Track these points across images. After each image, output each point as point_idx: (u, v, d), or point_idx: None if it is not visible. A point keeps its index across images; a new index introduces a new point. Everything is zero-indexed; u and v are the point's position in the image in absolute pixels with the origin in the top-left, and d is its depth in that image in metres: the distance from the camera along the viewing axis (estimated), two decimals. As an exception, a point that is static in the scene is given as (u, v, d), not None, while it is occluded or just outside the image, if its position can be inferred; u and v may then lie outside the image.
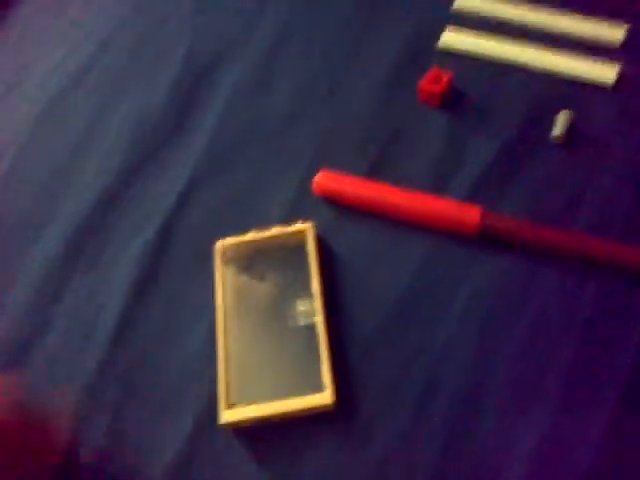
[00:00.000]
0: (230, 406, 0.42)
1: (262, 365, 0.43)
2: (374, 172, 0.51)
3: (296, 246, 0.47)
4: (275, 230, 0.48)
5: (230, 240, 0.48)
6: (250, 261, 0.47)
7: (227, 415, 0.41)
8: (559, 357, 0.42)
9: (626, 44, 0.54)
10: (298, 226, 0.48)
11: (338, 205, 0.50)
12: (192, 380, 0.44)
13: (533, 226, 0.45)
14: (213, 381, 0.44)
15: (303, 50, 0.59)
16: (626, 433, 0.39)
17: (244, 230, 0.50)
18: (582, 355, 0.42)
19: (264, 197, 0.51)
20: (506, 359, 0.42)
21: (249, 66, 0.59)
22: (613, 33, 0.54)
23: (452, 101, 0.53)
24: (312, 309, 0.44)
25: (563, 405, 0.40)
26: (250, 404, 0.41)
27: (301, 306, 0.45)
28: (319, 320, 0.44)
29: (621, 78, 0.52)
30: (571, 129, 0.50)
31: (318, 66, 0.57)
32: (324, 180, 0.49)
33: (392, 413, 0.41)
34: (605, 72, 0.52)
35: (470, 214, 0.46)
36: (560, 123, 0.49)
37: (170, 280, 0.49)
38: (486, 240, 0.46)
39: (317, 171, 0.51)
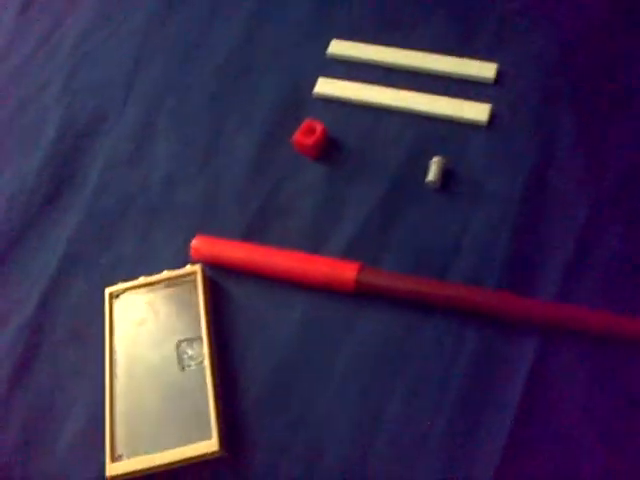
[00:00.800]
0: (116, 459, 0.40)
1: (151, 415, 0.41)
2: (253, 231, 0.50)
3: (185, 288, 0.46)
4: (165, 273, 0.47)
5: (120, 286, 0.47)
6: (139, 305, 0.46)
7: (112, 469, 0.40)
8: (441, 415, 0.41)
9: (498, 82, 0.54)
10: (188, 268, 0.47)
11: (219, 268, 0.48)
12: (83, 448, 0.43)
13: (409, 280, 0.44)
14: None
15: (178, 111, 0.57)
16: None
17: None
18: (464, 410, 0.41)
19: (146, 267, 0.49)
20: (389, 421, 0.41)
21: (125, 133, 0.57)
22: (485, 72, 0.54)
23: (329, 151, 0.52)
24: (200, 353, 0.43)
25: (447, 464, 0.39)
26: (137, 455, 0.40)
27: (190, 350, 0.43)
28: (207, 365, 0.42)
29: (494, 116, 0.52)
30: (447, 172, 0.50)
31: (194, 126, 0.56)
32: (200, 245, 0.48)
33: (279, 467, 0.40)
34: (478, 111, 0.52)
35: (346, 271, 0.45)
36: (433, 169, 0.49)
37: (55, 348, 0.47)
38: (365, 296, 0.45)
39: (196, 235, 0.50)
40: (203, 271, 0.47)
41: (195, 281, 0.46)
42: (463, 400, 0.41)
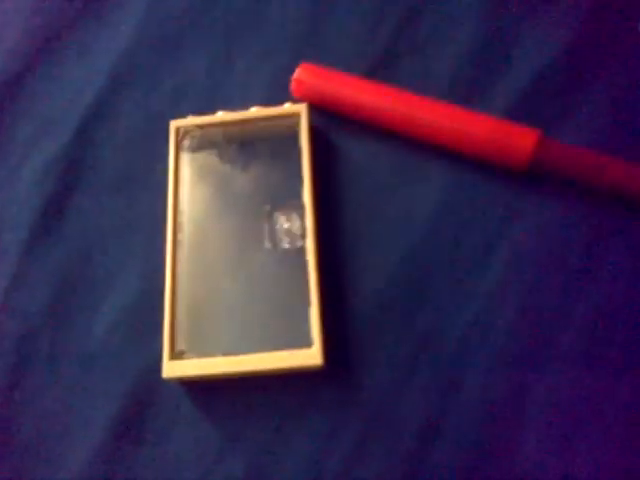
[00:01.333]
0: (177, 356, 0.29)
1: (226, 304, 0.30)
2: (379, 68, 0.35)
3: (283, 136, 0.33)
4: (254, 111, 0.33)
5: (191, 121, 0.34)
6: (217, 153, 0.33)
7: (170, 368, 0.29)
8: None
9: None
10: (287, 107, 0.33)
11: (332, 114, 0.35)
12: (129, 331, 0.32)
13: (607, 162, 0.31)
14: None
15: None
16: None
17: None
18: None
19: (225, 97, 0.36)
20: (562, 348, 0.29)
21: None
22: None
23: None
24: (300, 228, 0.31)
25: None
26: (205, 356, 0.29)
27: (285, 222, 0.31)
28: (309, 246, 0.30)
29: None
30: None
31: None
32: (307, 77, 0.34)
33: (403, 397, 0.29)
34: None
35: (519, 139, 0.31)
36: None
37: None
38: (537, 177, 0.32)
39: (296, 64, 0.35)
40: (309, 114, 0.33)
41: (297, 127, 0.33)
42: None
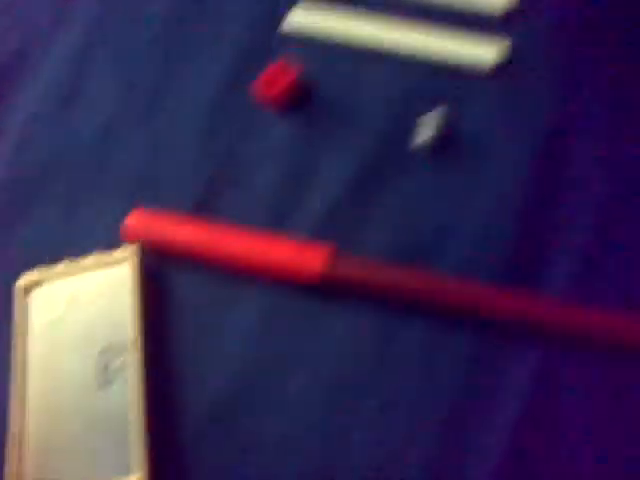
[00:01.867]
0: None
1: (66, 440, 0.34)
2: (203, 205, 0.41)
3: (115, 278, 0.37)
4: (92, 258, 0.38)
5: (34, 275, 0.38)
6: (59, 299, 0.38)
7: None
8: (423, 435, 0.33)
9: (510, 16, 0.44)
10: (119, 251, 0.38)
11: (160, 251, 0.40)
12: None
13: (388, 271, 0.36)
14: None
15: (118, 47, 0.47)
16: None
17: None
18: (450, 430, 0.33)
19: (73, 245, 0.41)
20: (360, 443, 0.33)
21: (51, 78, 0.47)
22: (493, 1, 0.44)
23: (300, 103, 0.43)
24: (127, 364, 0.35)
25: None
26: None
27: (116, 359, 0.35)
28: (135, 380, 0.34)
29: (504, 61, 0.42)
30: (442, 134, 0.40)
31: (137, 68, 0.46)
32: (136, 223, 0.39)
33: None
34: (483, 53, 0.42)
35: (311, 259, 0.36)
36: (425, 129, 0.39)
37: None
38: (335, 289, 0.37)
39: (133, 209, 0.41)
40: (139, 256, 0.38)
41: (128, 269, 0.38)
42: (449, 417, 0.34)
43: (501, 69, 0.42)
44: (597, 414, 0.33)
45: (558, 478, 0.32)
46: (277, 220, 0.39)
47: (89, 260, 0.38)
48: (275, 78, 0.41)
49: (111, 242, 0.40)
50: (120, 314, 0.36)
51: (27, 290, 0.38)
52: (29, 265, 0.39)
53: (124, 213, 0.40)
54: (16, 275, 0.39)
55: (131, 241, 0.39)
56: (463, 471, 0.32)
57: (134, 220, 0.39)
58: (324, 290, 0.37)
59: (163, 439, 0.34)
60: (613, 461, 0.32)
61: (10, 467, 0.33)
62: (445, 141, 0.40)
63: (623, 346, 0.34)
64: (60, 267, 0.38)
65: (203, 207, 0.40)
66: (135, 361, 0.35)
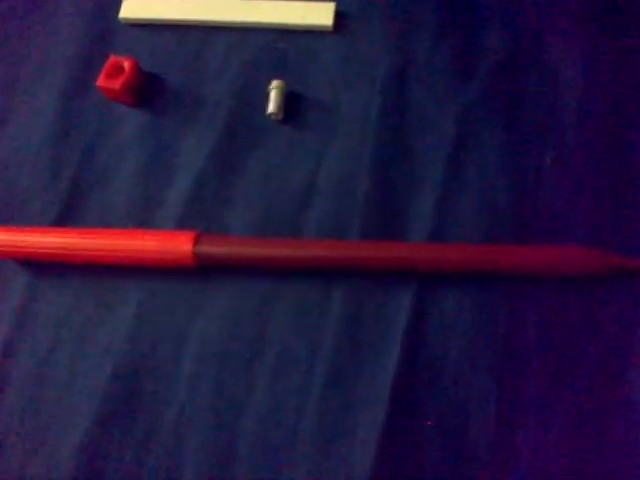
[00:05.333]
0: None
1: None
2: (67, 211, 0.40)
3: None
4: None
5: None
6: None
7: None
8: (311, 396, 0.35)
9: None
10: None
11: (32, 264, 0.39)
12: None
13: (257, 243, 0.37)
14: None
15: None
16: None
17: None
18: (337, 386, 0.35)
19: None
20: (253, 416, 0.35)
21: None
22: (324, -40, 0.44)
23: (147, 92, 0.42)
24: None
25: (322, 453, 0.34)
26: None
27: None
28: None
29: (342, 17, 0.43)
30: (290, 98, 0.41)
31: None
32: (1, 239, 0.38)
33: None
34: (321, 13, 0.43)
35: (181, 244, 0.36)
36: (273, 97, 0.40)
37: None
38: (210, 270, 0.38)
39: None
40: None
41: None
42: (335, 373, 0.35)
43: (336, 28, 0.43)
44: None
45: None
46: (144, 214, 0.39)
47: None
48: (115, 72, 0.41)
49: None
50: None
51: None
52: None
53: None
54: None
55: (1, 258, 0.38)
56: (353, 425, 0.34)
57: (-3, 239, 0.38)
58: (199, 274, 0.37)
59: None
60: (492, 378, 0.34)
61: None
62: (295, 105, 0.41)
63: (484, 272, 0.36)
64: None
65: (68, 215, 0.40)
66: None
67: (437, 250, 0.36)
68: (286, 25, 0.43)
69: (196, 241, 0.36)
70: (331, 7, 0.43)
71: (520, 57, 0.41)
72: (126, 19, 0.44)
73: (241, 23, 0.43)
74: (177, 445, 0.34)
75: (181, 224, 0.39)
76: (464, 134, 0.40)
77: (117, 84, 0.40)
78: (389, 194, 0.38)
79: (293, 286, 0.37)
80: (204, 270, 0.37)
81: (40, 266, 0.39)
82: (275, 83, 0.40)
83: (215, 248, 0.37)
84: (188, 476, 0.34)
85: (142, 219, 0.39)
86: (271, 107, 0.40)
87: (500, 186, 0.38)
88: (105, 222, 0.39)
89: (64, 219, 0.40)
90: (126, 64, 0.41)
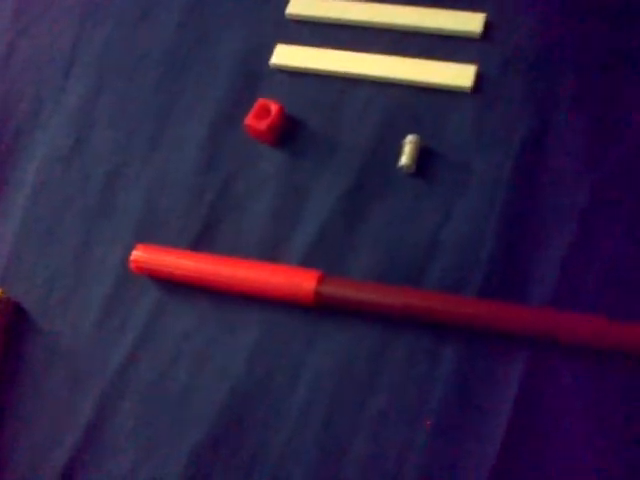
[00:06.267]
0: None
1: None
2: (203, 236, 0.43)
3: None
4: None
5: None
6: None
7: None
8: (416, 446, 0.35)
9: (486, 37, 0.45)
10: None
11: (164, 282, 0.42)
12: None
13: (376, 290, 0.38)
14: None
15: (121, 96, 0.50)
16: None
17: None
18: (442, 441, 0.35)
19: (84, 279, 0.44)
20: (357, 455, 0.35)
21: (62, 123, 0.50)
22: (470, 24, 0.46)
23: (288, 134, 0.45)
24: None
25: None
26: None
27: None
28: None
29: (481, 80, 0.44)
30: (424, 153, 0.42)
31: (139, 112, 0.49)
32: (141, 257, 0.42)
33: None
34: (461, 75, 0.44)
35: (304, 282, 0.38)
36: (407, 150, 0.41)
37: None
38: (328, 310, 0.39)
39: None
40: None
41: None
42: (441, 429, 0.35)
43: (477, 89, 0.44)
44: (585, 414, 0.34)
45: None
46: (272, 247, 0.42)
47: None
48: (263, 113, 0.44)
49: (121, 275, 0.43)
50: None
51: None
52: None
53: (131, 248, 0.43)
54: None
55: (138, 272, 0.42)
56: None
57: (139, 254, 0.42)
58: (319, 311, 0.39)
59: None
60: (608, 460, 0.33)
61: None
62: (426, 160, 0.42)
63: (606, 348, 0.35)
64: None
65: (203, 238, 0.43)
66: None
67: (554, 318, 0.36)
68: (426, 83, 0.44)
69: (319, 281, 0.38)
70: (472, 69, 0.44)
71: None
72: (276, 65, 0.48)
73: (381, 78, 0.45)
74: (280, 474, 0.35)
75: (304, 263, 0.41)
76: (596, 206, 0.39)
77: (263, 125, 0.43)
78: (513, 257, 0.38)
79: (408, 335, 0.38)
80: (324, 308, 0.39)
81: (171, 284, 0.42)
82: (410, 137, 0.42)
83: (337, 290, 0.38)
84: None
85: (269, 252, 0.41)
86: (403, 160, 0.41)
87: (629, 259, 0.37)
88: (235, 250, 0.42)
89: (199, 242, 0.43)
90: (273, 107, 0.44)
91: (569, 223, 0.38)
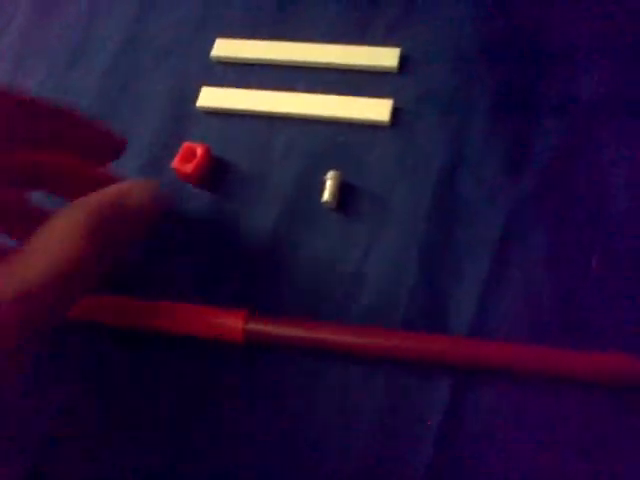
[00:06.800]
0: None
1: None
2: (133, 279, 0.44)
3: None
4: None
5: None
6: None
7: None
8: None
9: (402, 70, 0.47)
10: None
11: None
12: None
13: (303, 326, 0.39)
14: None
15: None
16: None
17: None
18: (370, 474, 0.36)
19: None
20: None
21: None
22: (387, 59, 0.47)
23: (216, 175, 0.46)
24: None
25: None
26: None
27: None
28: None
29: (399, 113, 0.46)
30: (346, 188, 0.43)
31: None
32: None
33: None
34: (379, 109, 0.45)
35: (232, 321, 0.39)
36: (328, 186, 0.43)
37: None
38: (258, 347, 0.40)
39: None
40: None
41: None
42: (368, 463, 0.36)
43: (394, 123, 0.45)
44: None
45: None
46: (202, 288, 0.42)
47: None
48: (189, 156, 0.45)
49: None
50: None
51: None
52: None
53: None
54: None
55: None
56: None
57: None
58: (250, 349, 0.40)
59: None
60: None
61: None
62: (348, 195, 0.43)
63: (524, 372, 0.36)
64: None
65: (133, 283, 0.44)
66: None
67: (474, 346, 0.37)
68: (346, 119, 0.46)
69: (246, 319, 0.39)
70: (389, 103, 0.45)
71: (572, 153, 0.42)
72: (202, 107, 0.49)
73: (305, 115, 0.47)
74: None
75: (234, 301, 0.41)
76: (512, 230, 0.41)
77: (189, 168, 0.44)
78: (433, 288, 0.40)
79: (337, 368, 0.38)
80: (252, 348, 0.39)
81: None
82: (330, 174, 0.43)
83: (265, 327, 0.39)
84: None
85: (201, 295, 0.42)
86: (325, 196, 0.43)
87: (545, 284, 0.39)
88: (166, 295, 0.42)
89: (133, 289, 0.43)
90: (198, 150, 0.45)
91: (482, 256, 0.40)
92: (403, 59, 0.47)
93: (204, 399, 0.39)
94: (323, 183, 0.43)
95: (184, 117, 0.49)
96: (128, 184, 0.36)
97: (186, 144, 0.45)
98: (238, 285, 0.42)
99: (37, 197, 0.41)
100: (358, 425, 0.37)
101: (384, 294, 0.40)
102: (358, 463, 0.36)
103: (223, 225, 0.44)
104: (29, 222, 0.33)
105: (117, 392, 0.40)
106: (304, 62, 0.49)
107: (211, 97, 0.49)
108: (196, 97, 0.49)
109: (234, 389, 0.39)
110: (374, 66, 0.47)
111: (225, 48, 0.50)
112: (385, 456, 0.36)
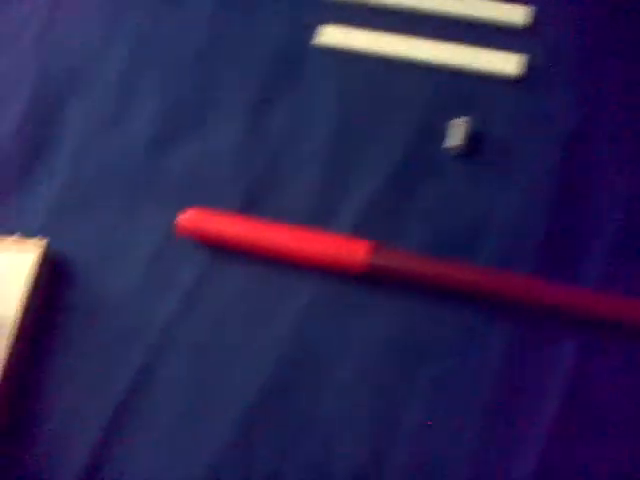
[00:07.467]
0: None
1: None
2: (250, 204, 0.43)
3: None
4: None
5: None
6: None
7: None
8: (468, 418, 0.35)
9: (532, 28, 0.47)
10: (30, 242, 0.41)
11: (210, 247, 0.42)
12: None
13: (430, 262, 0.38)
14: None
15: (163, 66, 0.50)
16: None
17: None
18: (493, 415, 0.35)
19: (130, 239, 0.43)
20: (409, 426, 0.35)
21: (104, 91, 0.49)
22: (516, 16, 0.47)
23: (335, 112, 0.45)
24: None
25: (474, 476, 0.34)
26: None
27: None
28: None
29: (528, 69, 0.45)
30: (471, 137, 0.43)
31: (182, 83, 0.49)
32: (187, 220, 0.41)
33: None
34: (508, 63, 0.45)
35: (358, 250, 0.38)
36: (455, 132, 0.42)
37: None
38: (379, 279, 0.39)
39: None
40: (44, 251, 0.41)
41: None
42: (491, 403, 0.36)
43: (523, 78, 0.45)
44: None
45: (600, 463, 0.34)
46: (319, 218, 0.42)
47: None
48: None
49: (167, 237, 0.43)
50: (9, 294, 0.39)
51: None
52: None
53: (173, 215, 0.42)
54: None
55: (182, 236, 0.41)
56: (507, 461, 0.34)
57: (186, 217, 0.41)
58: (369, 281, 0.39)
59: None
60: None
61: None
62: (474, 143, 0.43)
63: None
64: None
65: (250, 206, 0.43)
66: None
67: (604, 300, 0.37)
68: (473, 69, 0.45)
69: (372, 251, 0.38)
70: (518, 57, 0.45)
71: None
72: (320, 45, 0.48)
73: (428, 61, 0.46)
74: (330, 441, 0.35)
75: (353, 234, 0.41)
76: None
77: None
78: (562, 238, 0.39)
79: (459, 310, 0.38)
80: (374, 279, 0.39)
81: (219, 248, 0.42)
82: (458, 119, 0.42)
83: (390, 260, 0.38)
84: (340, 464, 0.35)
85: (317, 222, 0.41)
86: (451, 141, 0.42)
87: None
88: (283, 219, 0.42)
89: (245, 211, 0.43)
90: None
91: (618, 206, 0.39)
92: (534, 18, 0.47)
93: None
94: (448, 129, 0.43)
95: (301, 54, 0.48)
96: None
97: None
98: (358, 219, 0.41)
99: None
100: (479, 372, 0.36)
101: (509, 242, 0.39)
102: (485, 418, 0.35)
103: (343, 159, 0.44)
104: None
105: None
106: (428, 11, 0.48)
107: (329, 36, 0.48)
108: (312, 36, 0.48)
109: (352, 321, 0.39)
110: (504, 22, 0.47)
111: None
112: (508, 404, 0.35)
